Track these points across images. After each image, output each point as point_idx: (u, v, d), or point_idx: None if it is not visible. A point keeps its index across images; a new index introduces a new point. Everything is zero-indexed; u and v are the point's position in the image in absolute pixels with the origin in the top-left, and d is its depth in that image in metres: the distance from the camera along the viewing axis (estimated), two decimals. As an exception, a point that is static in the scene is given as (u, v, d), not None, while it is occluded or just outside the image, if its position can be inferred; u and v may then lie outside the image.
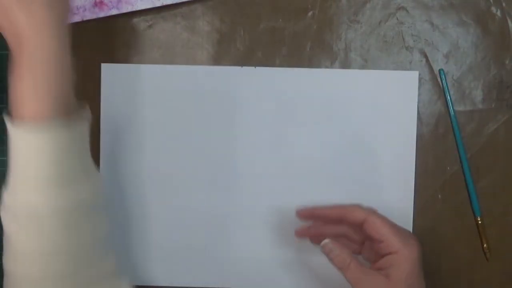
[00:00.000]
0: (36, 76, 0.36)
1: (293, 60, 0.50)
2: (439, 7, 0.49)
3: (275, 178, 0.49)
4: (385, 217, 0.43)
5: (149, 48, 0.50)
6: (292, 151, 0.49)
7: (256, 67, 0.50)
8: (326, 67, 0.50)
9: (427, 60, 0.50)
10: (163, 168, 0.50)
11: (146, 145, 0.50)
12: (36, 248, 0.36)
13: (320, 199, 0.48)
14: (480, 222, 0.49)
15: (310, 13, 0.50)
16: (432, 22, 0.49)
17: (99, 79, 0.50)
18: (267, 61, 0.50)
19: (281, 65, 0.50)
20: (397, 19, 0.50)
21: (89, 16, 0.49)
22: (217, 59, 0.50)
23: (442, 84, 0.49)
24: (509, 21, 0.49)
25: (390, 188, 0.49)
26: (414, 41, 0.50)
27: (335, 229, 0.46)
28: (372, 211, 0.43)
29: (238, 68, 0.50)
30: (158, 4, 0.49)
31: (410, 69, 0.49)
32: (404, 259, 0.41)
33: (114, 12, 0.49)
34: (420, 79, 0.49)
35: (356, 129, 0.49)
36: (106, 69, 0.50)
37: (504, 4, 0.49)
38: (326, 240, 0.43)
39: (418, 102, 0.49)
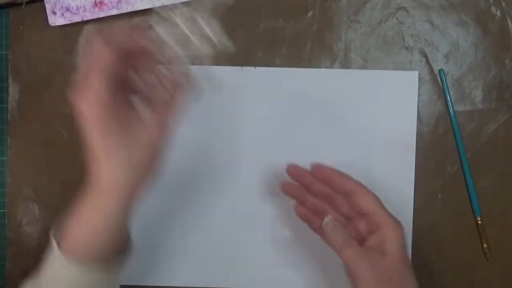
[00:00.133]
0: (100, 219, 0.37)
1: (293, 60, 0.50)
2: (439, 7, 0.49)
3: (275, 177, 0.49)
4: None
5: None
6: (292, 151, 0.49)
7: (256, 67, 0.50)
8: (326, 67, 0.50)
9: (427, 60, 0.50)
10: (163, 168, 0.50)
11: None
12: None
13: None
14: (480, 222, 0.49)
15: (310, 13, 0.50)
16: (432, 22, 0.50)
17: (99, 79, 0.50)
18: (267, 61, 0.50)
19: (281, 65, 0.50)
20: (397, 19, 0.50)
21: (89, 16, 0.49)
22: (217, 59, 0.50)
23: (442, 84, 0.49)
24: (509, 21, 0.49)
25: (390, 188, 0.49)
26: (414, 41, 0.50)
27: (320, 194, 0.45)
28: (361, 184, 0.43)
29: (238, 68, 0.50)
30: (158, 4, 0.49)
31: (410, 69, 0.49)
32: (396, 233, 0.41)
33: (114, 12, 0.49)
34: (420, 79, 0.49)
35: (356, 129, 0.49)
36: (106, 69, 0.50)
37: (504, 4, 0.49)
38: (327, 218, 0.42)
39: (418, 102, 0.49)
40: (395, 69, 0.49)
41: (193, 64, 0.50)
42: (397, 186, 0.49)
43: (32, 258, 0.51)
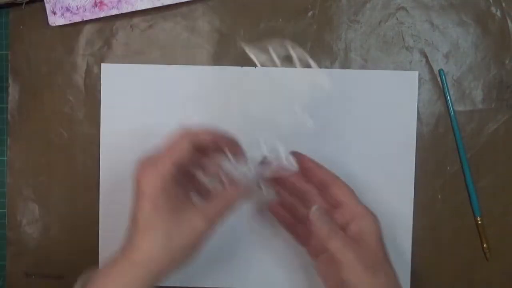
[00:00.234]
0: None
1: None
2: (439, 7, 0.49)
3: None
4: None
5: (149, 48, 0.50)
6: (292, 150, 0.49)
7: (256, 67, 0.49)
8: (326, 67, 0.50)
9: (427, 60, 0.50)
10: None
11: (146, 145, 0.50)
12: None
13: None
14: (480, 222, 0.49)
15: (310, 13, 0.50)
16: (432, 22, 0.50)
17: (99, 79, 0.50)
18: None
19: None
20: (397, 19, 0.50)
21: (89, 16, 0.49)
22: (217, 59, 0.50)
23: (442, 84, 0.49)
24: (509, 21, 0.49)
25: (390, 188, 0.49)
26: (414, 41, 0.50)
27: (295, 190, 0.45)
28: (337, 175, 0.44)
29: (238, 68, 0.50)
30: (158, 4, 0.49)
31: (410, 69, 0.50)
32: (373, 222, 0.42)
33: (114, 12, 0.49)
34: (420, 79, 0.49)
35: (355, 129, 0.49)
36: (106, 69, 0.50)
37: (504, 4, 0.49)
38: (315, 207, 0.42)
39: (418, 102, 0.49)
40: (395, 69, 0.49)
41: (193, 64, 0.50)
42: (397, 186, 0.49)
43: (32, 258, 0.51)
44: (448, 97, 0.49)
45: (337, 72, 0.49)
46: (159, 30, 0.50)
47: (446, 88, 0.49)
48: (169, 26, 0.50)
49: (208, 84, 0.50)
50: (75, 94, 0.50)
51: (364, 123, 0.49)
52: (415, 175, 0.49)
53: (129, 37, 0.50)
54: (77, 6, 0.49)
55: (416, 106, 0.49)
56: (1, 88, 0.51)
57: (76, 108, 0.50)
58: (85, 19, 0.49)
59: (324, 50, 0.50)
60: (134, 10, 0.49)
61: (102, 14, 0.49)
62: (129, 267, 0.38)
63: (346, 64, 0.50)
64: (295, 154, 0.45)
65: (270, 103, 0.50)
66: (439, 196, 0.50)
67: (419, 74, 0.49)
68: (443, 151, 0.50)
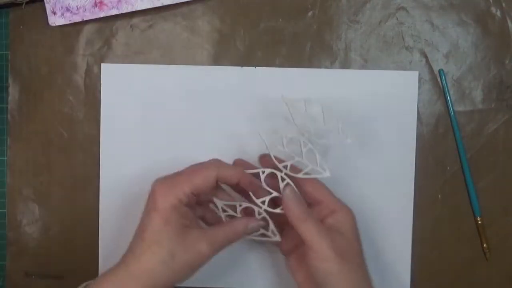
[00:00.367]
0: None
1: (293, 60, 0.50)
2: (439, 7, 0.49)
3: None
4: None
5: (149, 48, 0.50)
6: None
7: (256, 67, 0.50)
8: (326, 67, 0.50)
9: (427, 60, 0.50)
10: (163, 168, 0.50)
11: (146, 145, 0.50)
12: None
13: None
14: (480, 222, 0.49)
15: (310, 13, 0.50)
16: (432, 22, 0.50)
17: (99, 79, 0.50)
18: (267, 61, 0.50)
19: (281, 65, 0.50)
20: (397, 19, 0.50)
21: (89, 16, 0.49)
22: (217, 59, 0.50)
23: (442, 84, 0.49)
24: (509, 21, 0.49)
25: (390, 188, 0.49)
26: (414, 41, 0.50)
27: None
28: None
29: (238, 68, 0.50)
30: (158, 4, 0.49)
31: (410, 69, 0.49)
32: (350, 216, 0.42)
33: (114, 12, 0.49)
34: (420, 79, 0.49)
35: (355, 129, 0.49)
36: (106, 69, 0.50)
37: (504, 4, 0.49)
38: (288, 189, 0.42)
39: (418, 102, 0.49)
40: (395, 69, 0.49)
41: (193, 64, 0.50)
42: (397, 186, 0.49)
43: (32, 258, 0.51)
44: (448, 97, 0.49)
45: (337, 72, 0.49)
46: (159, 30, 0.50)
47: (446, 88, 0.49)
48: (169, 26, 0.50)
49: (208, 84, 0.50)
50: (75, 94, 0.50)
51: (364, 123, 0.49)
52: (415, 175, 0.49)
53: (129, 37, 0.50)
54: (77, 6, 0.49)
55: (416, 106, 0.49)
56: (1, 88, 0.51)
57: (76, 108, 0.50)
58: (85, 19, 0.49)
59: (324, 50, 0.50)
60: (134, 10, 0.49)
61: (102, 14, 0.49)
62: (127, 278, 0.38)
63: (346, 64, 0.50)
64: (264, 156, 0.45)
65: (270, 103, 0.50)
66: (439, 196, 0.50)
67: (419, 74, 0.49)
68: (443, 151, 0.50)
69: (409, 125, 0.49)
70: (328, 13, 0.50)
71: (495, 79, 0.49)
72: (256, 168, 0.44)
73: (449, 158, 0.50)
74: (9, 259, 0.51)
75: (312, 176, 0.42)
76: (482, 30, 0.49)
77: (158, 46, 0.50)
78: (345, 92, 0.49)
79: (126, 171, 0.50)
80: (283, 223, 0.44)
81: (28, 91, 0.51)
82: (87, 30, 0.50)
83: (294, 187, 0.42)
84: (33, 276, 0.51)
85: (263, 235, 0.44)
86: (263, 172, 0.43)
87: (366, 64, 0.50)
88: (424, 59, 0.50)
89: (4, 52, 0.51)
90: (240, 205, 0.44)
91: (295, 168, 0.43)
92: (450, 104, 0.49)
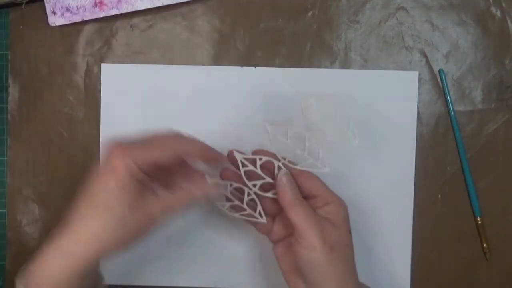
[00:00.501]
0: (68, 266, 0.36)
1: (293, 60, 0.50)
2: (439, 7, 0.49)
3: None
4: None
5: (149, 48, 0.50)
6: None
7: (256, 67, 0.50)
8: (326, 67, 0.50)
9: (427, 60, 0.50)
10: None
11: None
12: None
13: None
14: (480, 222, 0.49)
15: (310, 13, 0.50)
16: (432, 22, 0.50)
17: (99, 79, 0.50)
18: (267, 61, 0.50)
19: (281, 65, 0.50)
20: (397, 19, 0.50)
21: (89, 16, 0.49)
22: (217, 59, 0.50)
23: (442, 84, 0.49)
24: (509, 21, 0.49)
25: (390, 188, 0.49)
26: (414, 41, 0.50)
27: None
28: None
29: (238, 68, 0.50)
30: (158, 4, 0.49)
31: (410, 69, 0.49)
32: (340, 205, 0.41)
33: (114, 12, 0.49)
34: (420, 79, 0.49)
35: (355, 129, 0.49)
36: (106, 69, 0.50)
37: (504, 4, 0.49)
38: (283, 171, 0.42)
39: (418, 102, 0.49)
40: (395, 69, 0.49)
41: (193, 64, 0.50)
42: (397, 186, 0.49)
43: (32, 258, 0.51)
44: (448, 97, 0.49)
45: (337, 72, 0.49)
46: (159, 30, 0.50)
47: (446, 88, 0.49)
48: (169, 26, 0.50)
49: (208, 84, 0.50)
50: (75, 94, 0.50)
51: (364, 123, 0.49)
52: (415, 175, 0.49)
53: (129, 37, 0.50)
54: (77, 6, 0.49)
55: (416, 106, 0.49)
56: (1, 88, 0.51)
57: (76, 108, 0.50)
58: (85, 19, 0.49)
59: (324, 50, 0.50)
60: (134, 10, 0.49)
61: (102, 14, 0.49)
62: (75, 247, 0.36)
63: (346, 64, 0.50)
64: (259, 150, 0.44)
65: (270, 103, 0.50)
66: (439, 196, 0.50)
67: (419, 74, 0.49)
68: (443, 151, 0.50)
69: (409, 125, 0.49)
70: (328, 13, 0.50)
71: (495, 79, 0.49)
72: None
73: (449, 158, 0.50)
74: (9, 259, 0.51)
75: (310, 169, 0.42)
76: (482, 30, 0.49)
77: (158, 46, 0.50)
78: (345, 92, 0.49)
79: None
80: (276, 211, 0.43)
81: (28, 91, 0.51)
82: (87, 30, 0.50)
83: (290, 174, 0.42)
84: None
85: (251, 215, 0.43)
86: (260, 159, 0.43)
87: (366, 64, 0.50)
88: (424, 59, 0.50)
89: (4, 52, 0.51)
90: (231, 185, 0.43)
91: (294, 162, 0.43)
92: (450, 104, 0.49)
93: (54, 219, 0.51)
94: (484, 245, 0.49)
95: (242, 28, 0.50)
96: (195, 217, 0.50)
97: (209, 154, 0.41)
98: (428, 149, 0.49)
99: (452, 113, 0.49)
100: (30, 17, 0.50)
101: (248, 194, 0.43)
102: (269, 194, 0.43)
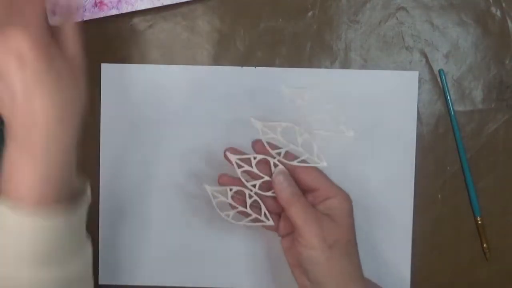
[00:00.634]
0: (37, 161, 0.35)
1: (293, 60, 0.50)
2: (439, 7, 0.49)
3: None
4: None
5: (149, 48, 0.50)
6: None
7: (256, 67, 0.50)
8: (326, 67, 0.50)
9: (427, 60, 0.50)
10: (163, 168, 0.50)
11: (146, 145, 0.50)
12: None
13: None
14: (480, 222, 0.49)
15: (310, 13, 0.50)
16: (432, 22, 0.50)
17: (99, 79, 0.50)
18: (267, 61, 0.50)
19: (281, 65, 0.50)
20: (397, 19, 0.50)
21: (89, 16, 0.49)
22: (217, 59, 0.50)
23: (442, 84, 0.49)
24: (509, 21, 0.49)
25: (390, 188, 0.49)
26: (414, 41, 0.50)
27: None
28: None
29: (238, 68, 0.50)
30: (158, 4, 0.49)
31: (410, 69, 0.50)
32: (342, 199, 0.41)
33: (114, 12, 0.49)
34: (420, 79, 0.49)
35: (355, 129, 0.49)
36: (106, 69, 0.50)
37: (504, 4, 0.49)
38: (278, 168, 0.41)
39: (418, 102, 0.49)
40: (395, 69, 0.49)
41: (193, 64, 0.50)
42: (397, 186, 0.49)
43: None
44: (448, 97, 0.49)
45: (337, 72, 0.49)
46: (159, 30, 0.50)
47: (446, 88, 0.49)
48: (169, 26, 0.50)
49: (208, 84, 0.50)
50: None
51: (364, 123, 0.49)
52: (415, 175, 0.49)
53: (129, 37, 0.50)
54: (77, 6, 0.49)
55: (416, 106, 0.49)
56: (1, 88, 0.51)
57: (76, 108, 0.50)
58: (85, 19, 0.49)
59: (324, 50, 0.50)
60: (134, 10, 0.49)
61: (102, 14, 0.49)
62: (28, 141, 0.35)
63: (346, 64, 0.50)
64: (255, 143, 0.43)
65: (270, 103, 0.50)
66: (439, 196, 0.50)
67: (419, 74, 0.49)
68: (443, 151, 0.50)
69: (409, 125, 0.49)
70: (328, 13, 0.50)
71: (495, 79, 0.49)
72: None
73: (449, 158, 0.50)
74: None
75: (307, 164, 0.42)
76: (482, 30, 0.49)
77: (158, 46, 0.50)
78: (345, 92, 0.49)
79: (126, 171, 0.50)
80: (280, 209, 0.43)
81: (28, 91, 0.50)
82: (87, 30, 0.50)
83: (286, 171, 0.42)
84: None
85: (257, 219, 0.43)
86: (255, 158, 0.42)
87: (366, 64, 0.50)
88: (424, 59, 0.50)
89: (4, 52, 0.51)
90: (231, 190, 0.43)
91: (291, 156, 0.43)
92: (450, 104, 0.49)
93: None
94: (484, 245, 0.49)
95: (242, 28, 0.50)
96: (195, 215, 0.50)
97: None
98: (428, 149, 0.49)
99: (452, 113, 0.49)
100: (30, 17, 0.50)
101: (250, 196, 0.43)
102: (270, 193, 0.43)
